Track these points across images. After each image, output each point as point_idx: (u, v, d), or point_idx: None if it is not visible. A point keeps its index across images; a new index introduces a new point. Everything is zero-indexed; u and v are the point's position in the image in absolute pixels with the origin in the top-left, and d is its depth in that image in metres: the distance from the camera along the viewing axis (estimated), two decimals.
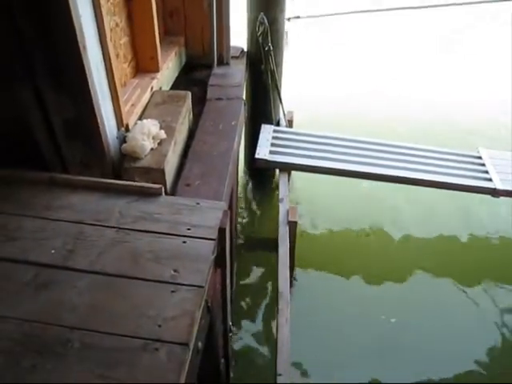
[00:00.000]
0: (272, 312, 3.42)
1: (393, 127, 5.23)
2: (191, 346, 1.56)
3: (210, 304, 1.88)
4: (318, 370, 3.16)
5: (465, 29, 7.53)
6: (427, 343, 3.31)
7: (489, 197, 3.76)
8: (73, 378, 1.43)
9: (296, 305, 3.15)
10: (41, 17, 1.78)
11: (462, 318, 3.52)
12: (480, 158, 4.02)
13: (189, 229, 1.93)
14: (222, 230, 1.96)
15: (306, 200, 4.31)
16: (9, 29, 1.81)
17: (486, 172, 3.84)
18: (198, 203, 2.07)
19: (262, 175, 4.46)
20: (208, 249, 1.87)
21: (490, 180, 3.75)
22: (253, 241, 4.08)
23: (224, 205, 2.09)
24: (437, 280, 3.77)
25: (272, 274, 3.71)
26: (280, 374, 2.37)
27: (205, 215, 2.00)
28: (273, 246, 3.50)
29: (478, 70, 6.55)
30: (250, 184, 4.58)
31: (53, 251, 1.82)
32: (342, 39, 7.23)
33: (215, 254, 1.92)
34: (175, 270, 1.76)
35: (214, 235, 1.92)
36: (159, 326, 1.58)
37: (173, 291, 1.69)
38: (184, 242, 1.88)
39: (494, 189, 3.67)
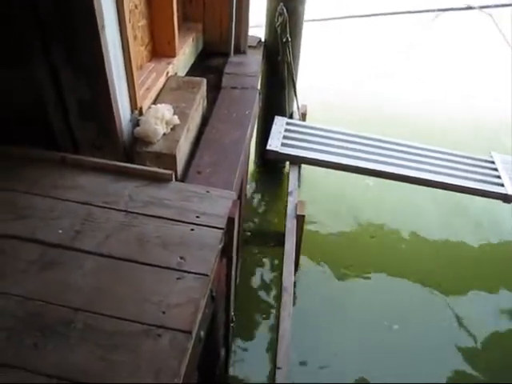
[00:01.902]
0: (275, 305, 3.42)
1: (406, 126, 5.18)
2: (194, 334, 1.55)
3: (214, 293, 1.87)
4: (317, 364, 3.15)
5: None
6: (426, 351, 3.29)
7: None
8: (74, 358, 1.42)
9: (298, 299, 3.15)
10: None
11: (468, 326, 3.49)
12: (493, 162, 3.98)
13: (198, 216, 1.92)
14: (230, 220, 1.95)
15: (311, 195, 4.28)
16: (28, 6, 1.80)
17: (499, 177, 3.80)
18: (208, 191, 2.05)
19: (272, 167, 4.44)
20: (216, 238, 1.85)
21: (502, 185, 3.71)
22: (258, 232, 4.07)
23: (234, 194, 2.08)
24: (442, 285, 3.73)
25: (276, 266, 3.71)
26: (279, 368, 2.36)
27: (214, 204, 1.99)
28: (278, 238, 3.49)
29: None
30: (260, 175, 4.56)
31: (60, 231, 1.82)
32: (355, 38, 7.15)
33: (223, 244, 1.91)
34: (182, 257, 1.75)
35: (223, 224, 1.91)
36: (163, 312, 1.57)
37: (178, 278, 1.68)
38: (192, 230, 1.86)
39: (506, 194, 3.63)
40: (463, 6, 6.13)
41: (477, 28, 7.03)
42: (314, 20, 4.07)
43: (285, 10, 3.48)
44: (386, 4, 6.53)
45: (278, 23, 3.54)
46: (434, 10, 6.41)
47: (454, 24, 7.21)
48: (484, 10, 6.23)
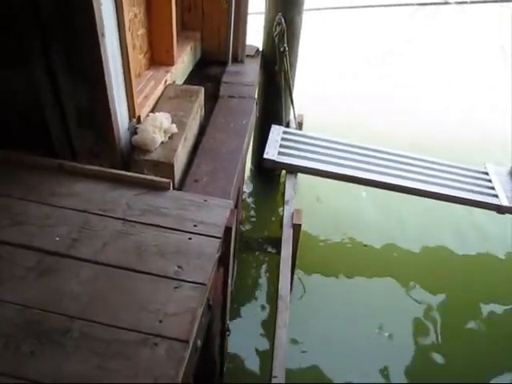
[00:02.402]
0: (270, 313, 3.42)
1: (399, 137, 5.19)
2: (191, 343, 1.55)
3: (211, 302, 1.87)
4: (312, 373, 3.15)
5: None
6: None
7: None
8: (70, 366, 1.42)
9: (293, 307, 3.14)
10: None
11: (459, 336, 3.50)
12: (487, 173, 4.01)
13: (195, 225, 1.92)
14: (228, 229, 1.95)
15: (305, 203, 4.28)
16: (28, 8, 1.80)
17: (493, 188, 3.82)
18: (205, 200, 2.06)
19: (268, 175, 4.45)
20: (213, 247, 1.86)
21: (496, 196, 3.73)
22: (254, 240, 4.07)
23: (231, 203, 2.08)
24: (433, 295, 3.74)
25: (272, 274, 3.71)
26: (275, 376, 2.36)
27: (212, 213, 2.00)
28: (273, 245, 3.49)
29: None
30: (256, 182, 4.57)
31: (57, 238, 1.82)
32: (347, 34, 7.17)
33: (220, 253, 1.92)
34: (179, 266, 1.76)
35: (220, 233, 1.91)
36: (160, 321, 1.57)
37: (176, 287, 1.68)
38: (190, 239, 1.87)
39: (500, 205, 3.65)
40: (441, 1, 6.23)
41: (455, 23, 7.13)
42: None
43: (283, 20, 3.50)
44: None
45: (276, 33, 3.56)
46: (413, 4, 6.47)
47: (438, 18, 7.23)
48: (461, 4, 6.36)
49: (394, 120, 5.55)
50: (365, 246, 4.08)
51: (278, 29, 3.55)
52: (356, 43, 6.94)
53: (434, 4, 6.34)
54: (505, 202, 3.66)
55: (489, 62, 6.72)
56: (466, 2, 6.30)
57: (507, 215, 3.70)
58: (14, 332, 1.50)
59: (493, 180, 3.90)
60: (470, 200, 3.67)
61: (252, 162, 4.55)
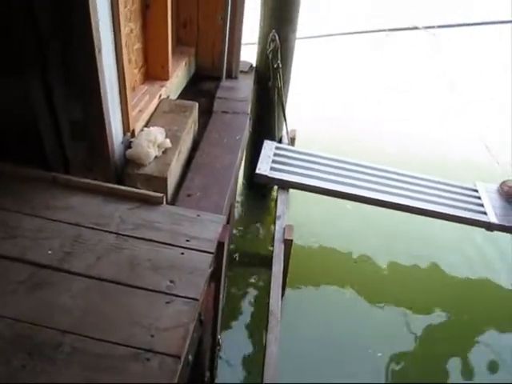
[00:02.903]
0: (261, 328, 3.41)
1: (389, 154, 5.23)
2: (183, 358, 1.55)
3: (202, 317, 1.87)
4: None
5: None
6: None
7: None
8: (62, 381, 1.41)
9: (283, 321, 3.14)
10: (61, 16, 1.79)
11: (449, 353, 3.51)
12: (476, 191, 4.05)
13: (188, 240, 1.93)
14: (220, 244, 1.96)
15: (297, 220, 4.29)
16: (27, 21, 1.82)
17: (482, 205, 3.86)
18: (198, 215, 2.07)
19: (260, 190, 4.47)
20: (205, 262, 1.86)
21: (485, 214, 3.77)
22: (245, 255, 4.07)
23: (224, 218, 2.09)
24: (425, 315, 3.75)
25: (262, 289, 3.71)
26: None
27: (204, 228, 2.01)
28: (265, 262, 3.49)
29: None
30: (248, 197, 4.58)
31: (50, 252, 1.82)
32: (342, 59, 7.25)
33: (212, 268, 1.92)
34: (171, 281, 1.76)
35: (213, 249, 1.92)
36: (152, 336, 1.57)
37: (168, 302, 1.69)
38: (182, 254, 1.87)
39: (489, 223, 3.69)
40: (410, 26, 6.33)
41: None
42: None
43: (277, 37, 3.54)
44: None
45: (270, 49, 3.60)
46: (384, 30, 6.53)
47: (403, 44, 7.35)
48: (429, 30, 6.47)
49: (385, 138, 5.59)
50: (355, 262, 4.08)
51: (271, 45, 3.58)
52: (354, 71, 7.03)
53: (404, 29, 6.41)
54: (494, 220, 3.70)
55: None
56: (433, 27, 6.41)
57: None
58: (5, 346, 1.49)
59: (482, 197, 3.94)
60: (459, 217, 3.70)
61: (244, 177, 4.56)
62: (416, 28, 6.18)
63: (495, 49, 7.51)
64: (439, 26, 6.41)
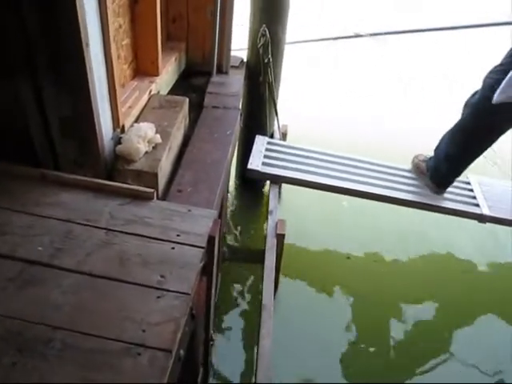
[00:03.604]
0: (254, 323, 3.42)
1: (385, 150, 5.22)
2: (174, 352, 1.55)
3: (194, 311, 1.87)
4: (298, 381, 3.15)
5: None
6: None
7: None
8: (53, 378, 1.41)
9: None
10: (47, 10, 1.78)
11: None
12: (469, 183, 4.06)
13: (178, 235, 1.93)
14: (211, 239, 1.96)
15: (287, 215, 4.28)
16: (13, 19, 1.80)
17: (474, 197, 3.87)
18: (189, 210, 2.07)
19: (252, 186, 4.47)
20: (196, 256, 1.86)
21: (478, 205, 3.78)
22: (237, 251, 4.07)
23: (215, 213, 2.09)
24: (419, 308, 3.77)
25: (255, 284, 3.72)
26: None
27: (195, 222, 2.00)
28: (257, 257, 3.49)
29: None
30: (239, 193, 4.58)
31: (40, 248, 1.81)
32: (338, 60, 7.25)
33: (203, 262, 1.92)
34: (162, 276, 1.76)
35: (204, 243, 1.92)
36: (143, 330, 1.57)
37: (158, 297, 1.69)
38: (173, 248, 1.87)
39: (481, 214, 3.70)
40: (352, 34, 6.33)
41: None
42: None
43: (267, 32, 3.54)
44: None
45: (260, 44, 3.59)
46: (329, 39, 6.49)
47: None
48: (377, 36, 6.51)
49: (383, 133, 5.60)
50: (348, 258, 4.09)
51: (262, 40, 3.58)
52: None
53: (346, 37, 6.42)
54: (486, 211, 3.71)
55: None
56: (380, 34, 6.43)
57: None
58: None
59: (474, 190, 3.95)
60: (452, 209, 3.71)
61: (236, 173, 4.56)
62: (358, 36, 6.19)
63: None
64: (386, 33, 6.47)
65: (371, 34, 6.21)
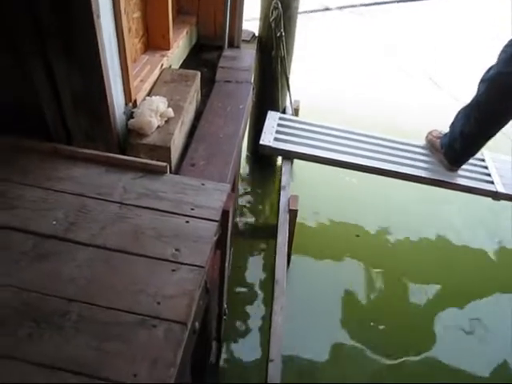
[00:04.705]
0: (266, 298, 3.43)
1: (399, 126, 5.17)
2: (189, 325, 1.55)
3: (208, 285, 1.87)
4: (309, 356, 3.17)
5: None
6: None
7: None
8: (69, 348, 1.42)
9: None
10: None
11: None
12: (483, 160, 4.01)
13: (192, 209, 1.92)
14: (225, 213, 1.95)
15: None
16: None
17: (489, 175, 3.82)
18: (202, 184, 2.05)
19: (264, 161, 4.45)
20: (210, 230, 1.85)
21: (492, 183, 3.74)
22: (249, 226, 4.07)
23: (229, 187, 2.08)
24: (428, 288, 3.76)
25: (267, 260, 3.72)
26: (272, 360, 2.37)
27: (209, 196, 1.99)
28: (269, 232, 3.49)
29: None
30: (252, 169, 4.56)
31: (54, 222, 1.81)
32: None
33: (217, 236, 1.91)
34: (176, 249, 1.75)
35: (218, 217, 1.91)
36: (158, 303, 1.57)
37: (173, 270, 1.68)
38: (187, 222, 1.86)
39: (496, 192, 3.66)
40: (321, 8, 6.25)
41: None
42: None
43: (279, 5, 3.48)
44: None
45: (273, 17, 3.53)
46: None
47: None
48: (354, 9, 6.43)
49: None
50: (357, 236, 4.07)
51: (274, 13, 3.52)
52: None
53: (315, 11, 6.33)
54: (501, 189, 3.67)
55: None
56: (350, 6, 6.36)
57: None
58: (11, 315, 1.49)
59: (489, 167, 3.90)
60: (466, 186, 3.67)
61: (248, 149, 4.54)
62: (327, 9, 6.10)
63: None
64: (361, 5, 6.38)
65: (340, 8, 6.12)
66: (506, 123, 3.36)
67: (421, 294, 3.68)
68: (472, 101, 3.41)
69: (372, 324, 3.42)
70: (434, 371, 3.21)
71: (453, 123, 3.62)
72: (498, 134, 3.53)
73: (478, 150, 3.61)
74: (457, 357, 3.29)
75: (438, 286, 3.76)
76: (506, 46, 3.12)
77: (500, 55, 3.16)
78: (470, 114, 3.41)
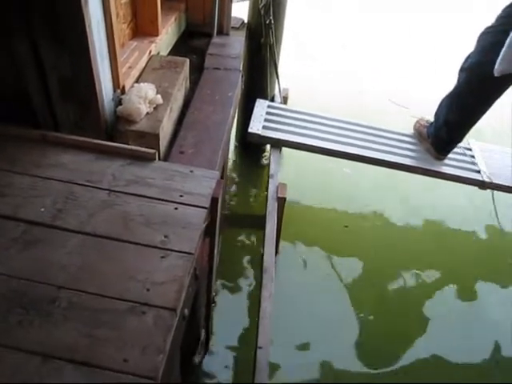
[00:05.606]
0: (255, 285, 3.45)
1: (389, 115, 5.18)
2: (178, 311, 1.55)
3: (198, 272, 1.88)
4: (297, 344, 3.20)
5: None
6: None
7: None
8: (59, 335, 1.42)
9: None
10: None
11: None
12: (470, 149, 4.04)
13: (181, 195, 1.92)
14: (214, 199, 1.95)
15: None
16: None
17: (475, 164, 3.86)
18: (191, 171, 2.05)
19: (253, 149, 4.44)
20: (199, 217, 1.86)
21: (479, 172, 3.77)
22: (237, 214, 4.08)
23: (218, 174, 2.08)
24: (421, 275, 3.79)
25: (256, 247, 3.73)
26: (260, 347, 2.39)
27: (198, 183, 1.99)
28: (258, 220, 3.50)
29: None
30: (240, 157, 4.56)
31: (42, 209, 1.80)
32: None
33: (206, 223, 1.92)
34: (165, 236, 1.75)
35: (207, 204, 1.91)
36: (147, 290, 1.57)
37: (162, 256, 1.68)
38: (176, 209, 1.86)
39: (483, 181, 3.69)
40: None
41: None
42: None
43: None
44: None
45: (262, 5, 3.51)
46: None
47: None
48: None
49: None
50: (345, 226, 4.09)
51: (263, 1, 3.50)
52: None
53: None
54: (487, 178, 3.70)
55: None
56: None
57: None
58: (1, 302, 1.48)
59: (476, 156, 3.93)
60: (452, 175, 3.70)
61: (236, 137, 4.53)
62: None
63: None
64: None
65: None
66: (488, 109, 3.39)
67: (411, 282, 3.72)
68: (453, 90, 3.44)
69: (359, 313, 3.46)
70: (428, 361, 3.26)
71: (436, 112, 3.65)
72: (482, 123, 3.58)
73: (463, 136, 3.65)
74: (449, 343, 3.35)
75: (432, 275, 3.80)
76: (483, 34, 3.13)
77: (478, 43, 3.17)
78: (453, 103, 3.45)
